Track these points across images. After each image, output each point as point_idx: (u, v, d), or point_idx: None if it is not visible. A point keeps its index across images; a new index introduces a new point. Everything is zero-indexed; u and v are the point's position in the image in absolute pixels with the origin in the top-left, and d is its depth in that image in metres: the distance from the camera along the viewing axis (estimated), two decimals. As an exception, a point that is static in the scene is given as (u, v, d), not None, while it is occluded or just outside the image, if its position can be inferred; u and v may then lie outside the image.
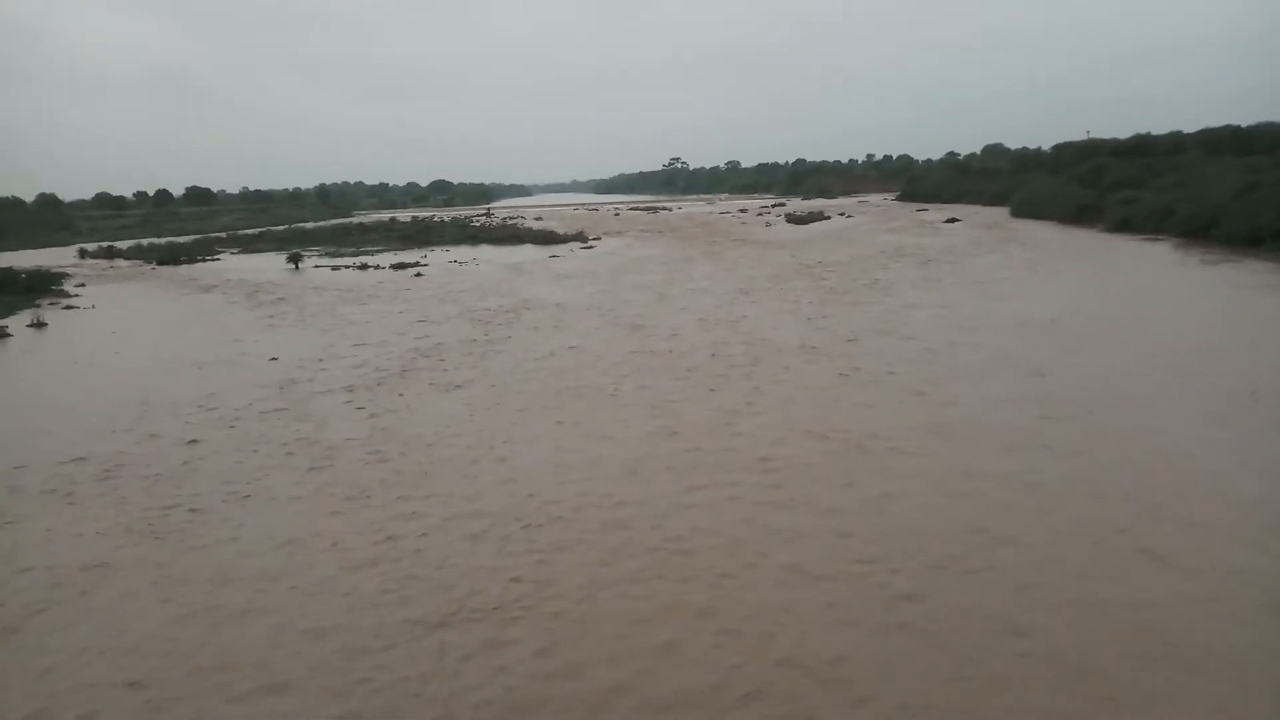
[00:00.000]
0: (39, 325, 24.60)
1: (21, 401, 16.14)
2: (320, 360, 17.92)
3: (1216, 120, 71.33)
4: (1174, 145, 58.38)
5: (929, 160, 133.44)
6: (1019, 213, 52.37)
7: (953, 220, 51.60)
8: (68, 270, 39.65)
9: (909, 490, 9.48)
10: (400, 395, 14.71)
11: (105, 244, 57.22)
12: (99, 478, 11.00)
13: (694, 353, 17.08)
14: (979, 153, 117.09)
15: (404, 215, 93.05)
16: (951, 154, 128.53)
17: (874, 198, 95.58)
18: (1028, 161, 75.51)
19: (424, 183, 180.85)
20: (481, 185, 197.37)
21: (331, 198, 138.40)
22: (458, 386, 15.17)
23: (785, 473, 10.19)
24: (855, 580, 7.59)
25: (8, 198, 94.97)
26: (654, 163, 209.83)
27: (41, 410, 15.00)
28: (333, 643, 6.90)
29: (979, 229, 45.24)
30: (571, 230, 56.59)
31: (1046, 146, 74.48)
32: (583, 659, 6.55)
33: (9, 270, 34.26)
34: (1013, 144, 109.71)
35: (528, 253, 44.62)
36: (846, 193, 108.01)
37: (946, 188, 77.94)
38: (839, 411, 12.63)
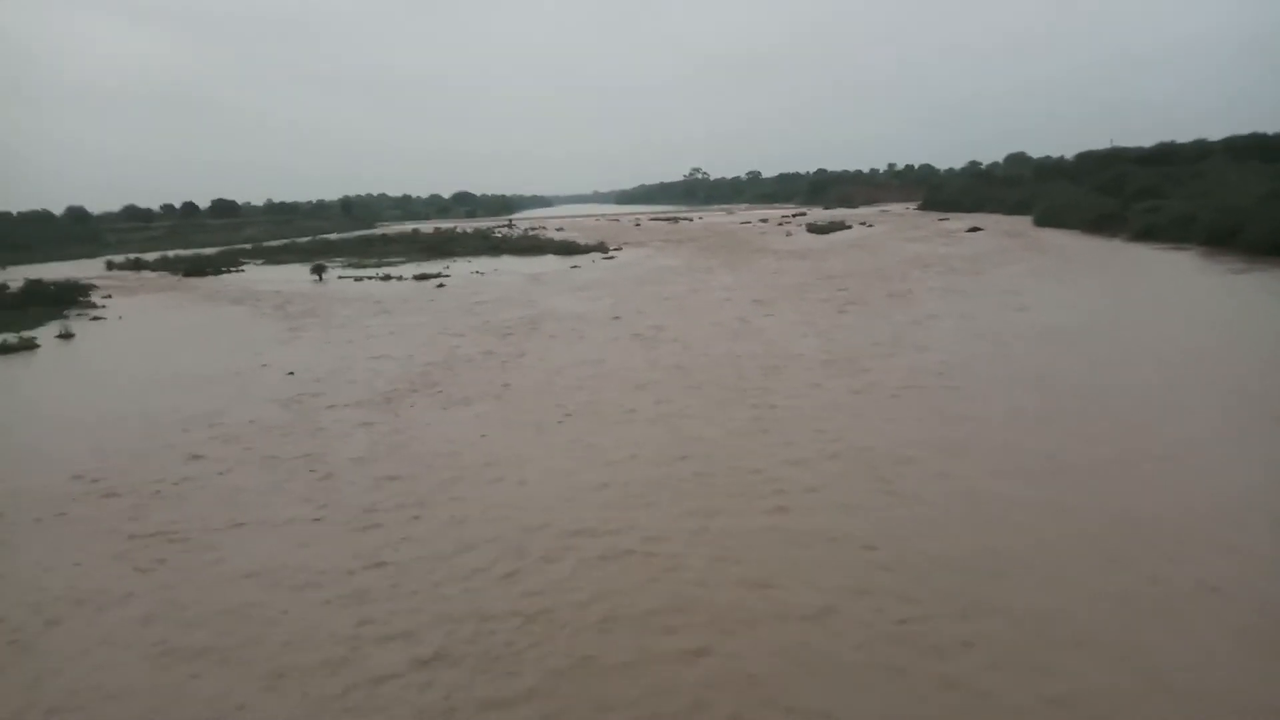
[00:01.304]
0: (66, 336, 24.97)
1: (40, 414, 16.34)
2: (336, 374, 18.00)
3: (1243, 128, 70.66)
4: (1198, 153, 57.86)
5: (951, 169, 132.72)
6: (1041, 221, 52.05)
7: (975, 229, 51.36)
8: (95, 282, 40.16)
9: (930, 515, 9.32)
10: (412, 409, 14.70)
11: (132, 256, 58.06)
12: (98, 496, 10.93)
13: (713, 367, 16.98)
14: (1001, 161, 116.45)
15: (427, 226, 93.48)
16: (973, 163, 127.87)
17: (895, 207, 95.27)
18: (1050, 170, 75.07)
19: (447, 194, 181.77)
20: (504, 196, 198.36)
21: (355, 209, 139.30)
22: (470, 402, 15.05)
23: (795, 496, 9.87)
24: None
25: (38, 211, 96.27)
26: (675, 173, 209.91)
27: (57, 424, 15.18)
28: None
29: (1001, 237, 45.03)
30: (593, 241, 56.75)
31: (1069, 155, 74.09)
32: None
33: (38, 282, 34.78)
34: (1035, 152, 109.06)
35: (549, 263, 44.79)
36: (868, 202, 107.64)
37: (968, 196, 77.52)
38: (855, 429, 12.58)
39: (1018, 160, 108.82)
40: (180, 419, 14.63)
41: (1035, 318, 20.44)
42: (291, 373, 18.18)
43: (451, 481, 10.98)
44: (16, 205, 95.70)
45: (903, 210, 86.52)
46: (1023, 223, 54.14)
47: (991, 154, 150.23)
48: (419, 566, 8.56)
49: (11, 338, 24.01)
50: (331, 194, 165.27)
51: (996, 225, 53.90)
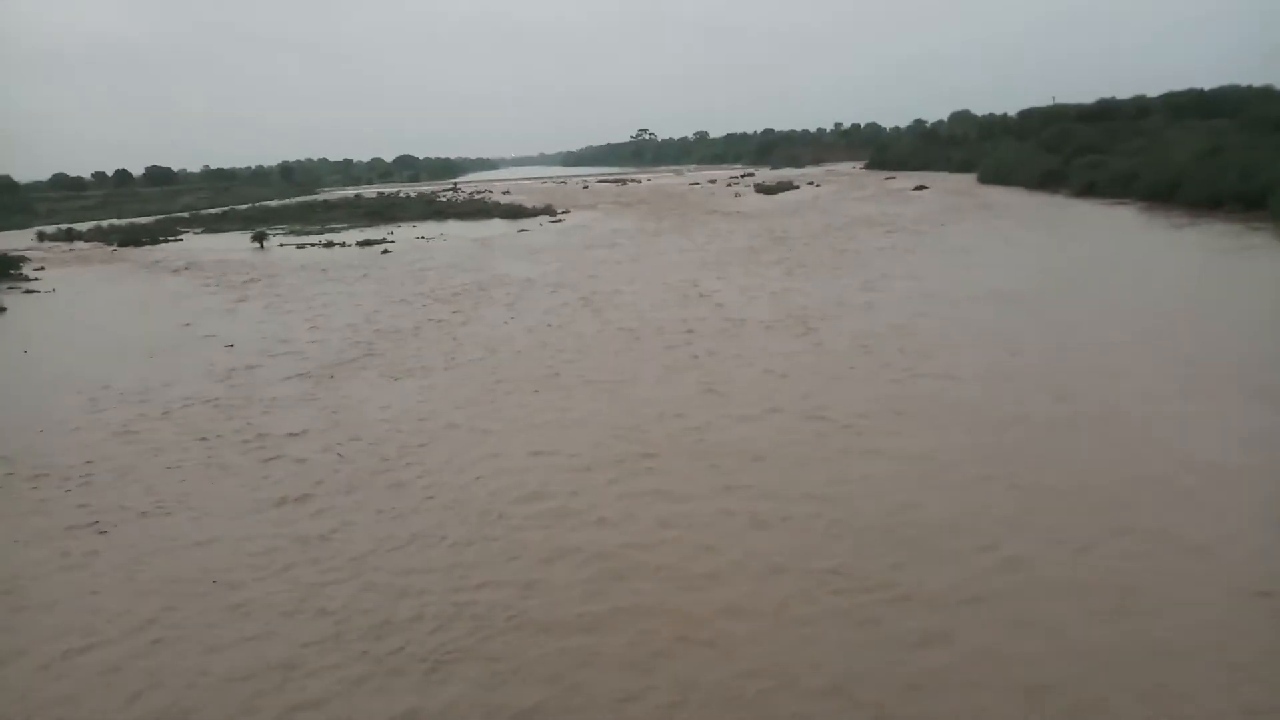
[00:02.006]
0: (-3, 311, 24.15)
1: None
2: (277, 344, 17.64)
3: (1181, 83, 71.77)
4: (1138, 110, 58.66)
5: (897, 128, 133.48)
6: (986, 179, 52.60)
7: (921, 188, 51.71)
8: (26, 254, 38.84)
9: (884, 474, 9.38)
10: (352, 381, 14.44)
11: (64, 226, 56.25)
12: (22, 479, 10.62)
13: (661, 333, 16.89)
14: (946, 120, 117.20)
15: (369, 191, 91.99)
16: (919, 121, 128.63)
17: (842, 166, 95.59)
18: (994, 128, 75.67)
19: (389, 158, 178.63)
20: (448, 160, 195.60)
21: (295, 175, 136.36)
22: (411, 374, 14.74)
23: (733, 460, 9.89)
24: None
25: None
26: (622, 135, 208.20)
27: None
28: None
29: (947, 196, 45.38)
30: (540, 204, 56.19)
31: (1013, 112, 74.62)
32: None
33: (-35, 255, 33.54)
34: (979, 110, 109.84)
35: (496, 227, 44.28)
36: (815, 162, 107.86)
37: (914, 155, 78.04)
38: (801, 392, 12.61)
39: (962, 119, 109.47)
40: (114, 394, 14.24)
41: (983, 276, 20.62)
42: (231, 345, 17.76)
43: (386, 463, 10.67)
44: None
45: (850, 169, 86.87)
46: (968, 181, 54.64)
47: (937, 112, 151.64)
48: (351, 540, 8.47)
49: (-63, 313, 23.14)
50: (271, 160, 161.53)
51: (942, 183, 54.31)
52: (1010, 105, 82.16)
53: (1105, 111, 59.07)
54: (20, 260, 34.97)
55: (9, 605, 7.69)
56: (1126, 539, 7.53)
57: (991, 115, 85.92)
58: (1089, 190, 38.31)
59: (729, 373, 13.55)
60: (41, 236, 51.27)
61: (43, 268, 34.36)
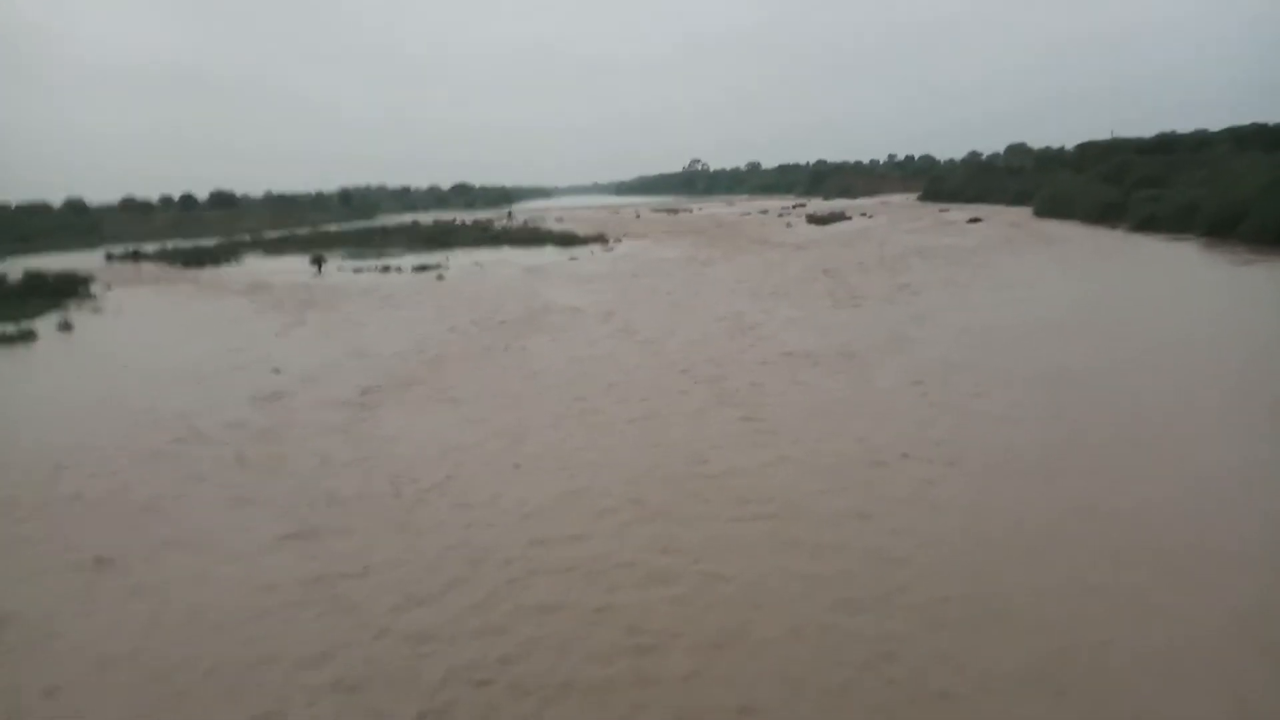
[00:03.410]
0: (66, 328, 24.91)
1: (20, 412, 16.29)
2: (325, 370, 17.76)
3: (1243, 118, 70.46)
4: (1199, 142, 57.71)
5: (951, 160, 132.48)
6: (1042, 212, 51.93)
7: (975, 220, 51.24)
8: (95, 273, 40.03)
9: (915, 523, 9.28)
10: (394, 409, 14.40)
11: (132, 247, 57.84)
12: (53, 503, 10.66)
13: (706, 364, 16.84)
14: (1002, 152, 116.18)
15: (426, 218, 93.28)
16: (974, 153, 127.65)
17: (896, 198, 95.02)
18: (1051, 160, 74.87)
19: (446, 185, 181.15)
20: (503, 188, 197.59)
21: (354, 201, 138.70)
22: (451, 404, 14.70)
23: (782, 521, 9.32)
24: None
25: (36, 202, 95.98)
26: (674, 164, 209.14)
27: (33, 421, 15.18)
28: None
29: (1002, 228, 44.92)
30: (592, 232, 56.61)
31: (1070, 145, 73.80)
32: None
33: (38, 274, 34.72)
34: (1036, 143, 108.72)
35: (548, 255, 44.70)
36: (869, 192, 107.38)
37: (969, 187, 77.33)
38: (850, 429, 12.51)
39: (1018, 151, 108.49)
40: (159, 417, 14.39)
41: (1037, 312, 20.34)
42: (277, 370, 17.77)
43: (443, 482, 10.81)
44: (15, 196, 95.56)
45: (903, 201, 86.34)
46: (1024, 214, 53.99)
47: (992, 144, 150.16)
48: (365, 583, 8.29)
49: (10, 329, 23.96)
50: (330, 184, 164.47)
51: (997, 216, 53.76)
52: (1068, 140, 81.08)
53: (1165, 144, 58.23)
54: (88, 279, 36.06)
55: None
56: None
57: (1048, 148, 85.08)
58: (1148, 224, 37.66)
59: (774, 408, 13.51)
60: (110, 257, 52.82)
61: (109, 287, 35.38)
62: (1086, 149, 67.35)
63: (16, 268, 39.97)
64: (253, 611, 7.78)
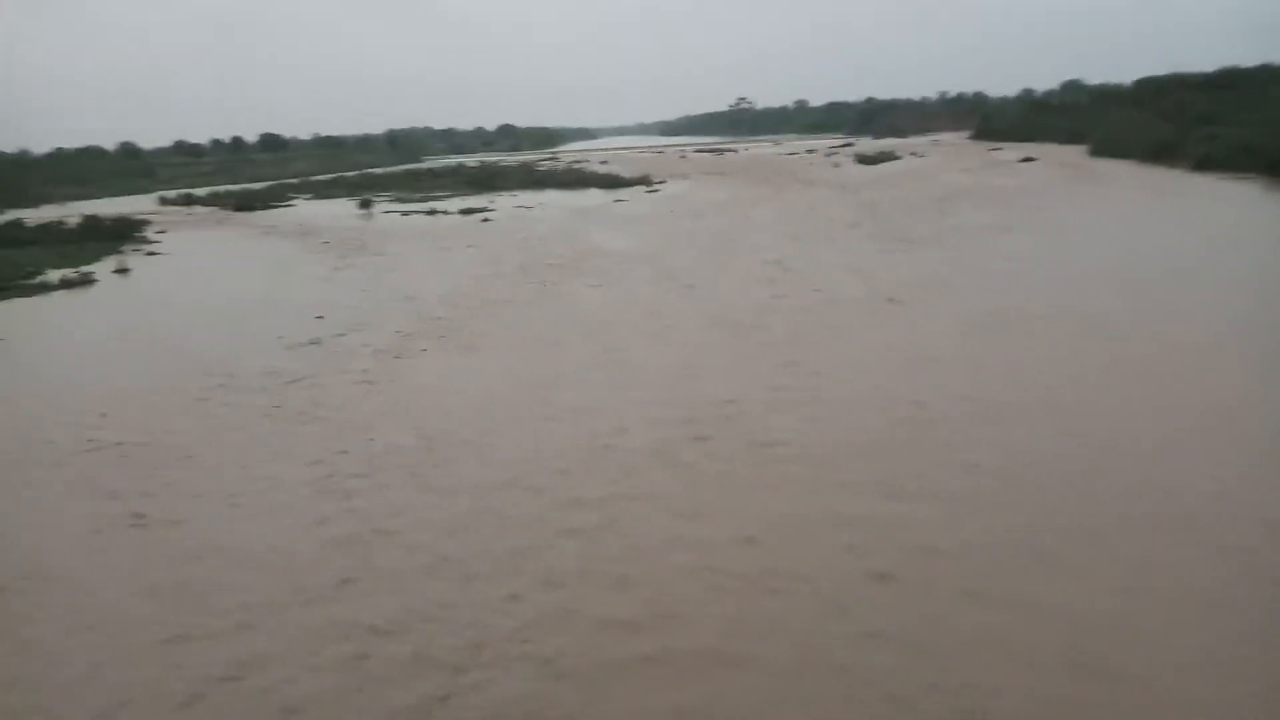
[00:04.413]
0: (122, 271, 25.63)
1: (74, 356, 16.84)
2: (367, 314, 18.11)
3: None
4: (1266, 78, 55.61)
5: (1004, 97, 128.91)
6: (1097, 151, 50.61)
7: (1028, 159, 50.19)
8: (149, 217, 40.87)
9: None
10: (430, 354, 14.69)
11: (184, 191, 58.89)
12: (97, 449, 11.05)
13: (752, 312, 16.84)
14: (1057, 89, 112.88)
15: (471, 160, 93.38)
16: (1027, 90, 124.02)
17: (947, 136, 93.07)
18: (1107, 97, 72.66)
19: (491, 127, 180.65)
20: (547, 130, 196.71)
21: (401, 143, 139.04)
22: (486, 350, 14.89)
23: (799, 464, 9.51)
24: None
25: (91, 147, 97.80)
26: (720, 103, 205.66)
27: (86, 364, 15.75)
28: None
29: (1055, 168, 43.96)
30: (637, 174, 56.33)
31: (1128, 81, 71.55)
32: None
33: (95, 218, 35.59)
34: (1092, 79, 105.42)
35: (593, 197, 44.68)
36: (919, 131, 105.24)
37: (1022, 125, 75.42)
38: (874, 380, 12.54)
39: (1073, 88, 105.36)
40: (203, 362, 14.80)
41: (1090, 256, 20.02)
42: (320, 316, 18.08)
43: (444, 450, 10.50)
44: (71, 141, 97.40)
45: (954, 140, 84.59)
46: (1078, 152, 52.66)
47: (1046, 81, 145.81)
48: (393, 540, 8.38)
49: (71, 273, 24.71)
50: (377, 127, 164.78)
51: (1051, 155, 52.53)
52: (1126, 76, 78.24)
53: (1228, 80, 56.22)
54: (143, 223, 36.88)
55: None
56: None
57: (1105, 85, 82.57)
58: (1206, 163, 36.62)
59: (818, 354, 13.61)
60: (163, 201, 53.77)
61: (164, 231, 36.16)
62: (1144, 85, 65.36)
63: (75, 212, 40.98)
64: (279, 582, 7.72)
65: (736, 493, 8.85)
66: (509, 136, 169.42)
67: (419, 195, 50.34)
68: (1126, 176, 37.83)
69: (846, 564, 7.33)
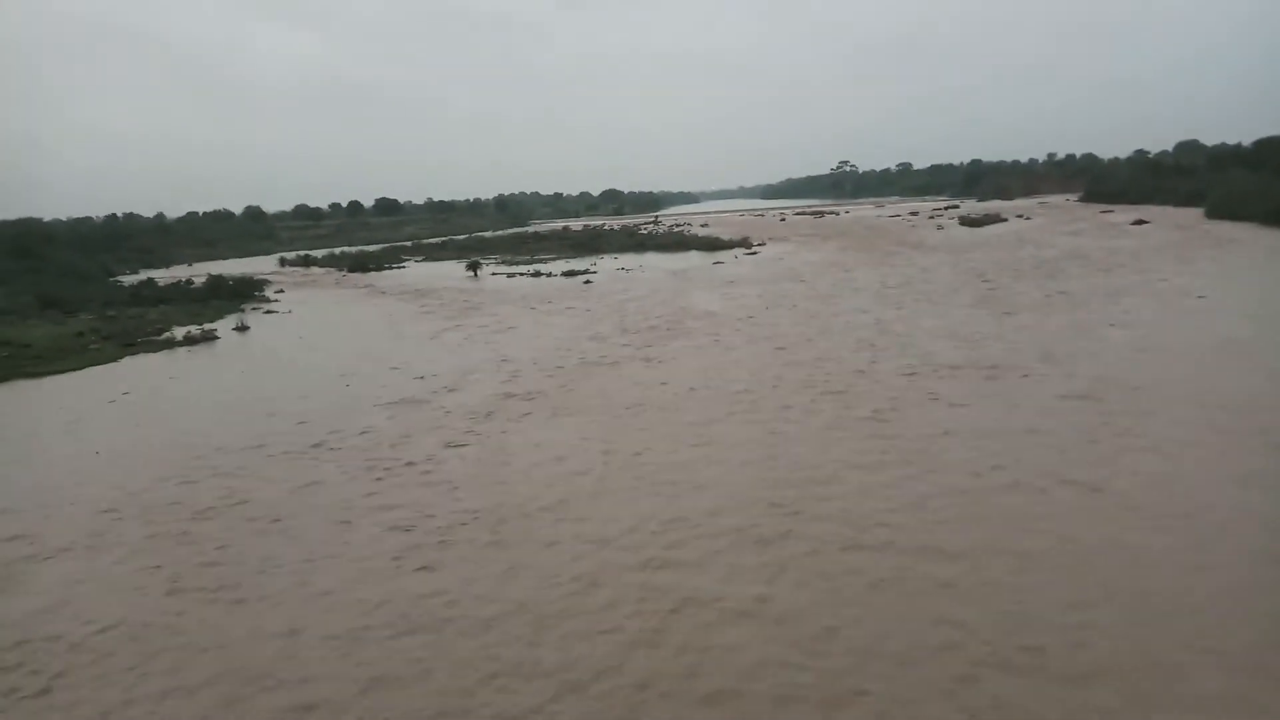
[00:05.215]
0: (242, 329, 26.98)
1: (189, 410, 17.54)
2: (465, 375, 18.55)
3: None
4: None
5: (1115, 159, 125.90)
6: (1215, 213, 48.89)
7: (1140, 222, 48.81)
8: (269, 277, 43.02)
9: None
10: (524, 419, 14.71)
11: (303, 252, 61.80)
12: (189, 516, 11.23)
13: (847, 379, 16.83)
14: (1171, 150, 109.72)
15: (576, 224, 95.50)
16: (1140, 151, 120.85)
17: (1055, 198, 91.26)
18: (1226, 158, 70.31)
19: (596, 192, 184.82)
20: (651, 193, 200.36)
21: (509, 207, 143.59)
22: (576, 414, 14.99)
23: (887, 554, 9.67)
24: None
25: (220, 211, 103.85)
26: (822, 166, 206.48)
27: (196, 419, 16.35)
28: None
29: (1170, 231, 42.59)
30: (736, 236, 56.80)
31: (1247, 141, 69.11)
32: None
33: (219, 278, 37.65)
34: (1209, 140, 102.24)
35: (692, 259, 45.16)
36: (1025, 193, 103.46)
37: (1134, 187, 73.49)
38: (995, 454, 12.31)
39: (1190, 148, 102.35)
40: (306, 421, 15.40)
41: (1210, 324, 19.14)
42: (421, 376, 18.61)
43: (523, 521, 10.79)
44: (203, 206, 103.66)
45: (1062, 202, 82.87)
46: (1193, 215, 50.95)
47: (1159, 142, 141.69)
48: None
49: (195, 330, 26.18)
50: (487, 192, 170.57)
51: (1165, 218, 50.96)
52: (1245, 136, 75.62)
53: (1360, 139, 53.75)
54: (263, 283, 38.83)
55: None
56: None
57: (1224, 145, 79.94)
58: (1334, 226, 35.03)
59: (908, 430, 13.45)
60: (283, 261, 56.59)
61: (282, 290, 38.00)
62: (1265, 145, 62.99)
63: (202, 272, 43.41)
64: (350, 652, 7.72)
65: (820, 585, 8.50)
66: (613, 200, 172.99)
67: (524, 257, 51.74)
68: (1246, 239, 36.40)
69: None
